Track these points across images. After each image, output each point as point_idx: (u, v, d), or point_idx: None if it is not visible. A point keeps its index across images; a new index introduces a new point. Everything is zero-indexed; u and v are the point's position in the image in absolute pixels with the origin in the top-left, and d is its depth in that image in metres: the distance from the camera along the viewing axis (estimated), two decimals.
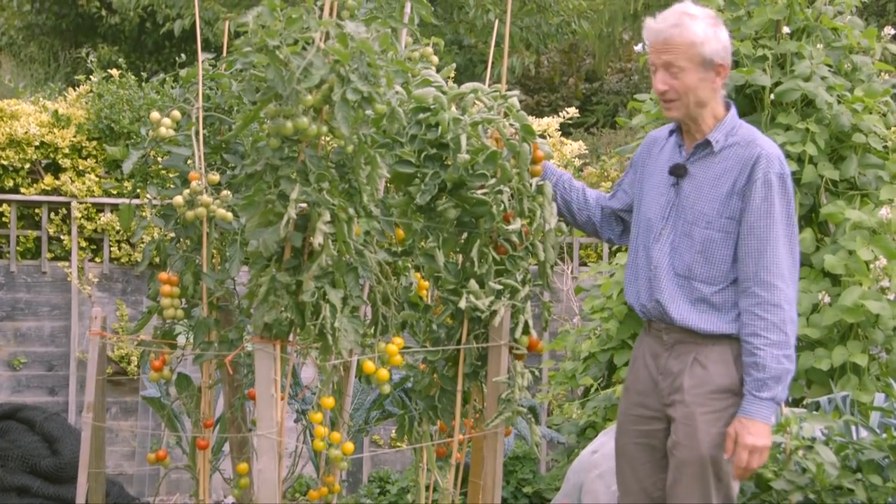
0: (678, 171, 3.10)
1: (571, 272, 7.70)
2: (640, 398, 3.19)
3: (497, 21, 4.29)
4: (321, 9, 3.04)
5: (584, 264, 7.93)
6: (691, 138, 3.12)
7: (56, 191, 7.40)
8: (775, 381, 2.92)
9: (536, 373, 3.62)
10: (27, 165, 7.38)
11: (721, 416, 2.99)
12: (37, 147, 7.38)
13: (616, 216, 3.45)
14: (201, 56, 3.43)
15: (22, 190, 7.36)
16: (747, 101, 5.10)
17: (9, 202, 7.32)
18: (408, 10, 3.63)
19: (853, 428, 3.67)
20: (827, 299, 4.65)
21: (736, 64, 4.87)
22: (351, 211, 2.98)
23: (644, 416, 3.17)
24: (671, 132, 3.23)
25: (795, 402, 4.62)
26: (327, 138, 3.06)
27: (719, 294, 3.02)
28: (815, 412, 3.84)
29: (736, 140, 3.05)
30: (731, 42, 3.10)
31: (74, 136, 7.47)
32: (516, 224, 3.40)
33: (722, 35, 3.05)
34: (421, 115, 3.34)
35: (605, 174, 8.29)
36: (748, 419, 2.94)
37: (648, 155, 3.29)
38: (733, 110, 3.12)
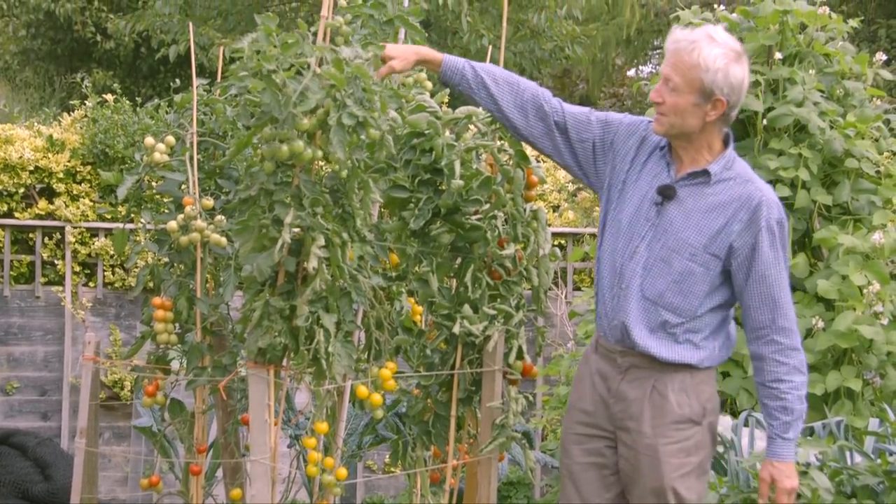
0: (667, 193, 2.96)
1: (565, 297, 7.70)
2: (586, 417, 3.09)
3: (491, 46, 4.31)
4: (315, 35, 3.05)
5: (578, 289, 7.93)
6: (681, 161, 2.99)
7: (50, 215, 7.39)
8: (799, 420, 2.95)
9: (530, 398, 3.62)
10: (21, 190, 7.38)
11: (683, 445, 2.96)
12: (31, 172, 7.38)
13: (552, 124, 3.25)
14: (196, 81, 3.44)
15: (16, 214, 7.36)
16: (740, 127, 5.12)
17: (2, 227, 7.31)
18: (402, 35, 3.65)
19: (847, 453, 3.67)
20: (821, 324, 4.65)
21: None
22: (345, 235, 2.98)
23: (588, 434, 3.09)
24: (661, 147, 3.04)
25: None
26: (321, 163, 3.07)
27: (681, 326, 2.95)
28: (809, 437, 3.83)
29: (731, 175, 2.95)
30: (746, 83, 2.92)
31: (69, 161, 7.47)
32: (510, 249, 3.41)
33: (735, 71, 2.87)
34: (415, 141, 3.35)
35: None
36: (781, 462, 2.93)
37: (639, 145, 3.08)
38: (732, 144, 3.00)
